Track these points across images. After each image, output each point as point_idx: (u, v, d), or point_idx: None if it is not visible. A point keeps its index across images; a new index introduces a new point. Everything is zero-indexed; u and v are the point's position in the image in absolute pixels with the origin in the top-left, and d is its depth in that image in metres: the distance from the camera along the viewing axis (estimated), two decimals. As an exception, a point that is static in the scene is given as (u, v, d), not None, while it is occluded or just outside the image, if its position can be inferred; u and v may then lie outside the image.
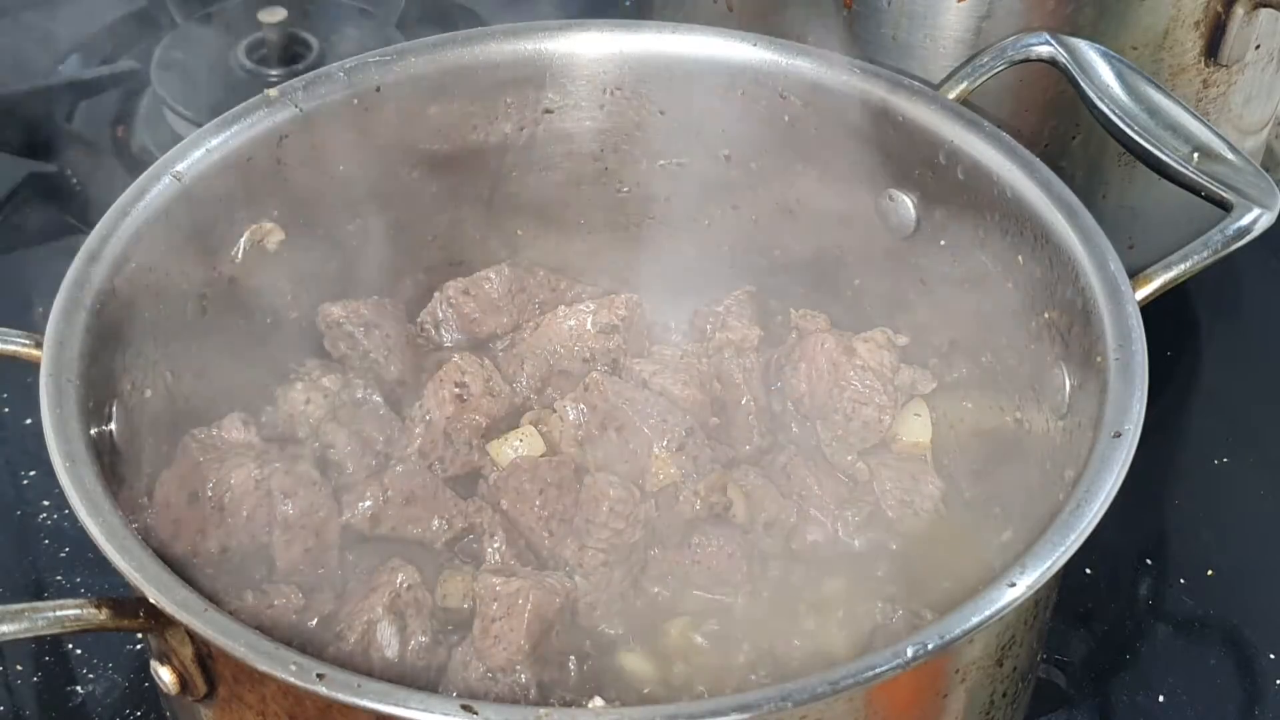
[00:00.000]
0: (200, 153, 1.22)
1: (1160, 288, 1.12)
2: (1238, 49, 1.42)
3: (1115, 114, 1.21)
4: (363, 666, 1.09)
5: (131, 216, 1.16)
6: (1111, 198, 1.48)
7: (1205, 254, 1.13)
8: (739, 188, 1.38)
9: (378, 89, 1.29)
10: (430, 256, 1.38)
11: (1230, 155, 1.18)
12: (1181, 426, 1.56)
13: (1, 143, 1.77)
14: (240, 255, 1.26)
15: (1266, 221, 1.14)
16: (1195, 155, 1.19)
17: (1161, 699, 1.32)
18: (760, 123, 1.33)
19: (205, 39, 1.85)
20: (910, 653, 0.89)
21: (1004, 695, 1.06)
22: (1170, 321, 1.63)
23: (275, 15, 1.79)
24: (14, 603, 0.93)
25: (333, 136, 1.28)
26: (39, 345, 1.07)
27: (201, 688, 0.97)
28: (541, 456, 1.25)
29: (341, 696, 0.87)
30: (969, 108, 1.25)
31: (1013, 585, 0.93)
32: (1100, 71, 1.23)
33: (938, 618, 0.91)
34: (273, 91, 1.26)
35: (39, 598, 1.37)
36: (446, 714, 0.85)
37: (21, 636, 0.92)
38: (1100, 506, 0.97)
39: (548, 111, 1.36)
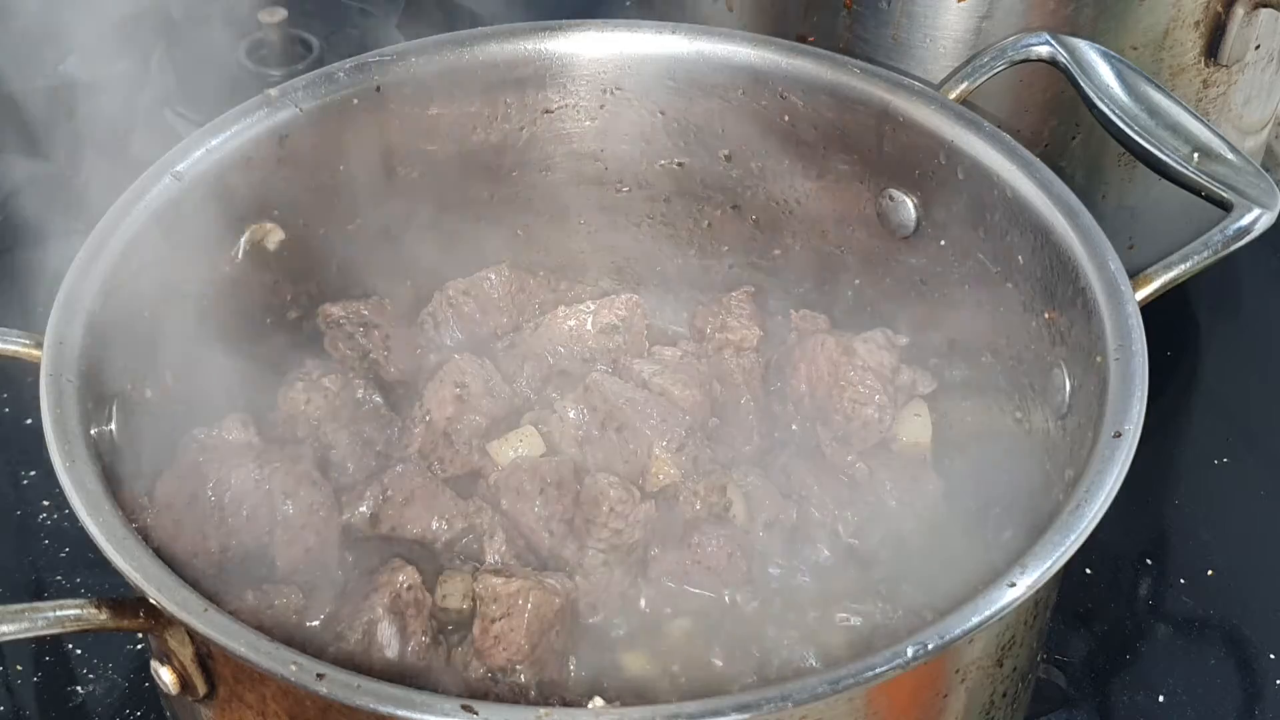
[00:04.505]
0: (200, 153, 1.22)
1: (1160, 288, 1.12)
2: (1238, 49, 1.42)
3: (1115, 114, 1.21)
4: (363, 666, 1.09)
5: (131, 216, 1.16)
6: (1111, 198, 1.48)
7: (1205, 254, 1.13)
8: (739, 188, 1.38)
9: (378, 89, 1.29)
10: (430, 256, 1.38)
11: (1230, 155, 1.18)
12: (1181, 426, 1.56)
13: (1, 143, 1.77)
14: (240, 255, 1.26)
15: (1266, 221, 1.14)
16: (1195, 155, 1.19)
17: (1161, 699, 1.32)
18: (760, 123, 1.33)
19: (205, 39, 1.85)
20: (910, 653, 0.89)
21: (1004, 695, 1.06)
22: (1170, 321, 1.63)
23: (275, 15, 1.79)
24: (14, 603, 0.93)
25: (333, 136, 1.28)
26: (39, 345, 1.07)
27: (201, 688, 0.97)
28: (541, 456, 1.25)
29: (341, 696, 0.87)
30: (969, 108, 1.25)
31: (1013, 585, 0.93)
32: (1100, 71, 1.23)
33: (938, 618, 0.91)
34: (273, 91, 1.26)
35: (39, 598, 1.37)
36: (446, 714, 0.85)
37: (21, 636, 0.92)
38: (1100, 506, 0.97)
39: (548, 111, 1.36)
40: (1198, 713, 1.31)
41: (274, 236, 1.28)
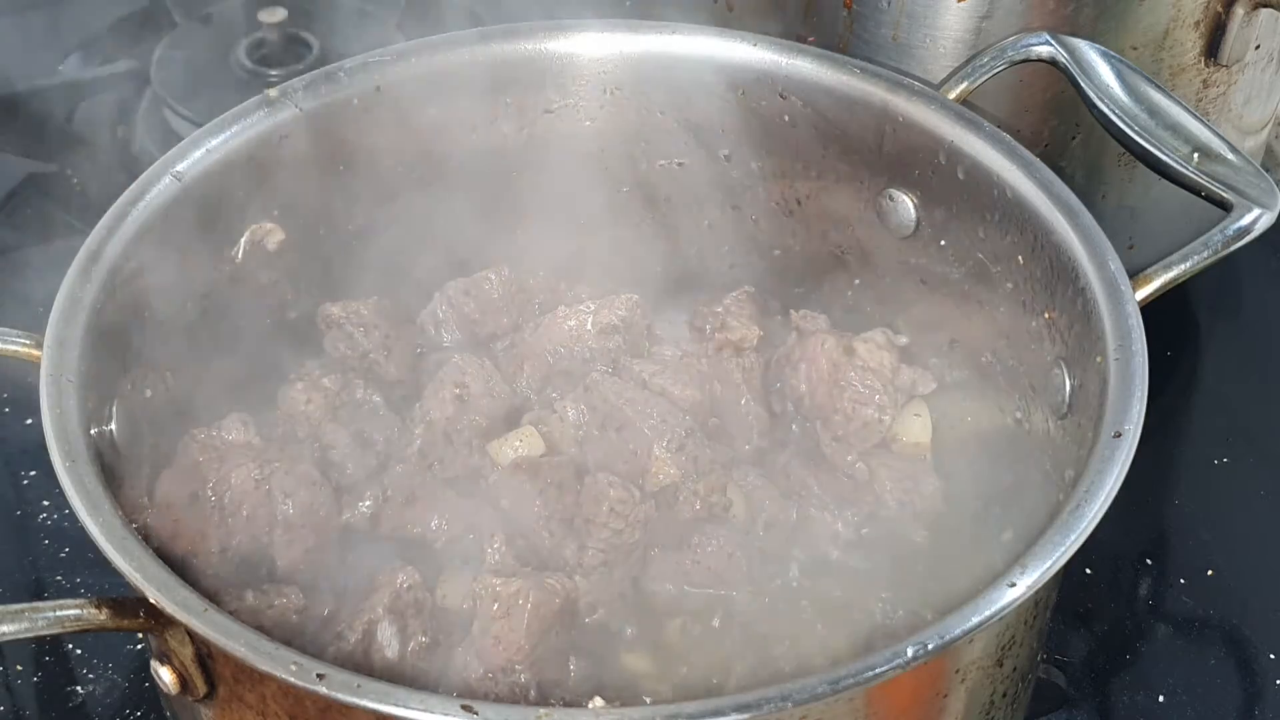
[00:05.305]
0: (200, 153, 1.22)
1: (1160, 288, 1.12)
2: (1238, 49, 1.42)
3: (1115, 114, 1.21)
4: (363, 667, 1.09)
5: (131, 216, 1.16)
6: (1111, 198, 1.48)
7: (1205, 254, 1.13)
8: (739, 188, 1.38)
9: (378, 89, 1.29)
10: (430, 256, 1.38)
11: (1230, 155, 1.18)
12: (1181, 426, 1.56)
13: (1, 143, 1.77)
14: (240, 255, 1.26)
15: (1266, 221, 1.14)
16: (1195, 155, 1.19)
17: (1161, 699, 1.32)
18: (760, 123, 1.33)
19: (205, 39, 1.85)
20: (910, 653, 0.89)
21: (1004, 695, 1.06)
22: (1170, 321, 1.63)
23: (275, 15, 1.79)
24: (14, 603, 0.93)
25: (333, 136, 1.28)
26: (39, 345, 1.07)
27: (201, 688, 0.97)
28: (541, 456, 1.25)
29: (341, 696, 0.87)
30: (969, 108, 1.25)
31: (1013, 585, 0.93)
32: (1100, 71, 1.23)
33: (938, 618, 0.91)
34: (273, 91, 1.26)
35: (39, 598, 1.37)
36: (446, 714, 0.85)
37: (21, 636, 0.92)
38: (1100, 506, 0.97)
39: (548, 111, 1.36)
40: (1198, 713, 1.31)
41: (274, 236, 1.27)
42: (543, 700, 1.10)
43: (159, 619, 0.93)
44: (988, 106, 1.30)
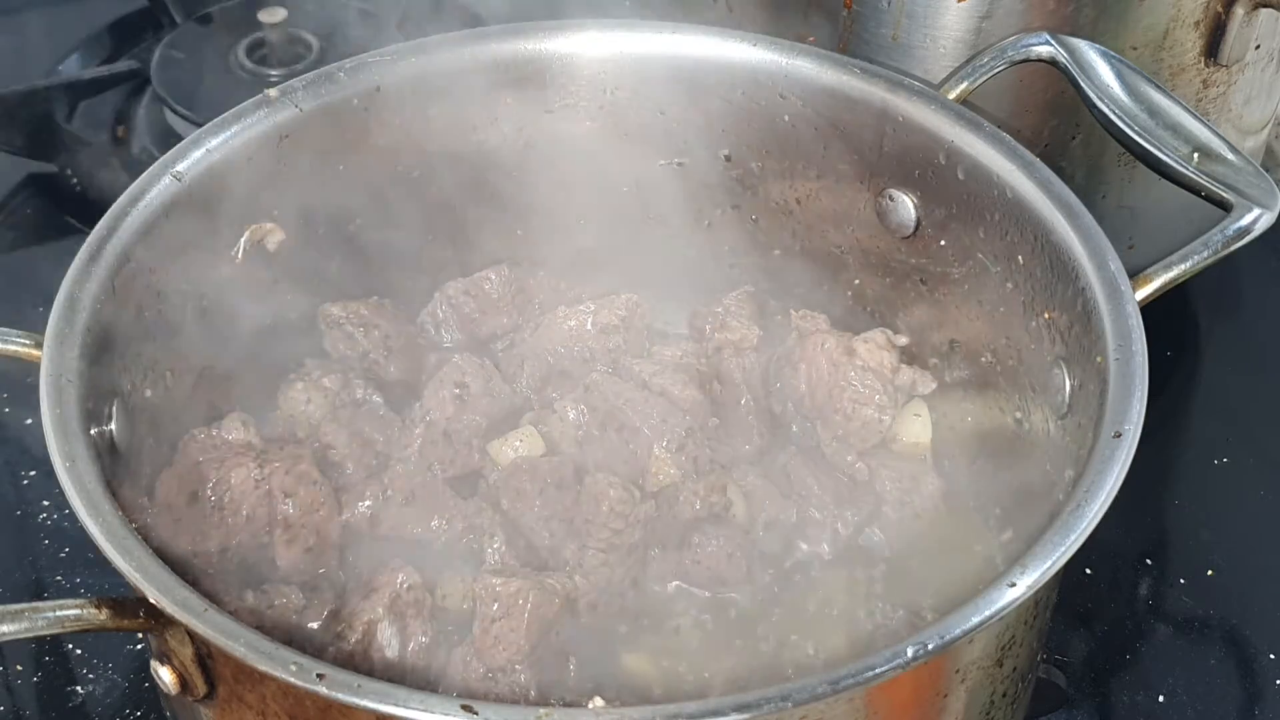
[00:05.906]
0: (200, 153, 1.22)
1: (1160, 288, 1.12)
2: (1238, 49, 1.42)
3: (1115, 114, 1.21)
4: (363, 667, 1.09)
5: (131, 216, 1.16)
6: (1111, 198, 1.48)
7: (1205, 254, 1.13)
8: (739, 188, 1.38)
9: (378, 89, 1.29)
10: (430, 256, 1.38)
11: (1230, 155, 1.18)
12: (1181, 426, 1.56)
13: (1, 143, 1.77)
14: (240, 255, 1.26)
15: (1266, 221, 1.14)
16: (1195, 155, 1.19)
17: (1161, 699, 1.32)
18: (760, 123, 1.33)
19: (205, 39, 1.85)
20: (910, 653, 0.89)
21: (1004, 695, 1.06)
22: (1170, 321, 1.63)
23: (275, 15, 1.79)
24: (14, 603, 0.93)
25: (333, 136, 1.28)
26: (39, 345, 1.07)
27: (201, 688, 0.97)
28: (541, 456, 1.25)
29: (341, 696, 0.87)
30: (969, 108, 1.25)
31: (1013, 585, 0.93)
32: (1100, 71, 1.23)
33: (938, 618, 0.91)
34: (273, 91, 1.26)
35: (39, 598, 1.37)
36: (446, 714, 0.85)
37: (21, 636, 0.92)
38: (1100, 506, 0.97)
39: (548, 111, 1.36)
40: (1198, 713, 1.31)
41: (274, 236, 1.27)
42: (543, 700, 1.10)
43: (159, 619, 0.93)
44: (988, 106, 1.30)
